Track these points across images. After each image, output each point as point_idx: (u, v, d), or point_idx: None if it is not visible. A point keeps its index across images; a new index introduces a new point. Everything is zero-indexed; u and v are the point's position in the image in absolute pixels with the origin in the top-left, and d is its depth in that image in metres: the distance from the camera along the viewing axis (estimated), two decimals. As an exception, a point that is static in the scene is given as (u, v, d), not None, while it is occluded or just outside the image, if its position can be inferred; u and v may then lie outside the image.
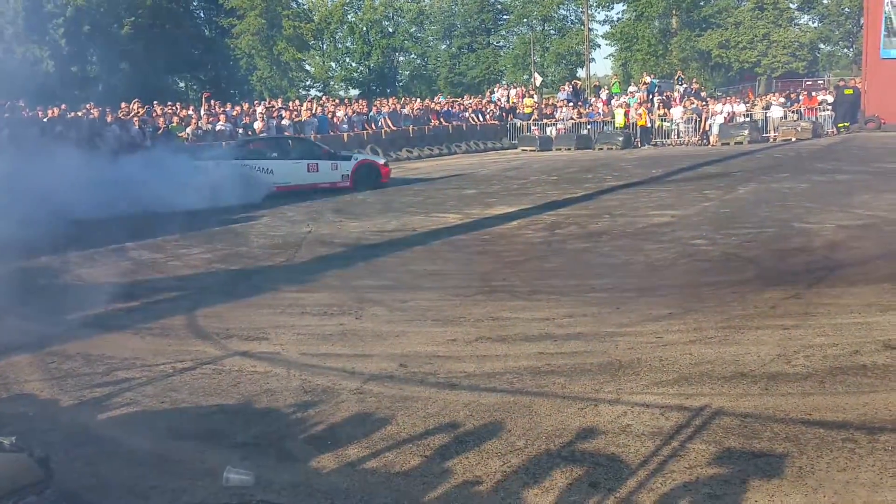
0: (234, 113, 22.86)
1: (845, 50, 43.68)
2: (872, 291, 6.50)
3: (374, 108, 27.57)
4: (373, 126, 26.09)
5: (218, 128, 20.81)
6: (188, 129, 20.00)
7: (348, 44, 54.24)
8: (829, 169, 15.74)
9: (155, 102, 22.88)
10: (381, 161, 18.81)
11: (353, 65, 54.92)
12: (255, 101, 27.49)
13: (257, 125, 21.72)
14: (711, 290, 6.93)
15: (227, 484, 3.59)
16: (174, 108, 23.43)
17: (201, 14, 48.23)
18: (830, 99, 26.89)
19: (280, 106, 25.71)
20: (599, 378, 4.87)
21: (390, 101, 30.11)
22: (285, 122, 22.94)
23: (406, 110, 27.83)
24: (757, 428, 3.98)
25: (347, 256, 9.60)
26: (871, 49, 26.15)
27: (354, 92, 52.62)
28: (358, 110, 26.76)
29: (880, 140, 21.86)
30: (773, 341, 5.35)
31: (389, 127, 26.29)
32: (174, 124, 20.07)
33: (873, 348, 5.08)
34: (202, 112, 22.07)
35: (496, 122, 30.14)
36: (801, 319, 5.81)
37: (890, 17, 25.31)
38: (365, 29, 53.39)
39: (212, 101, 23.62)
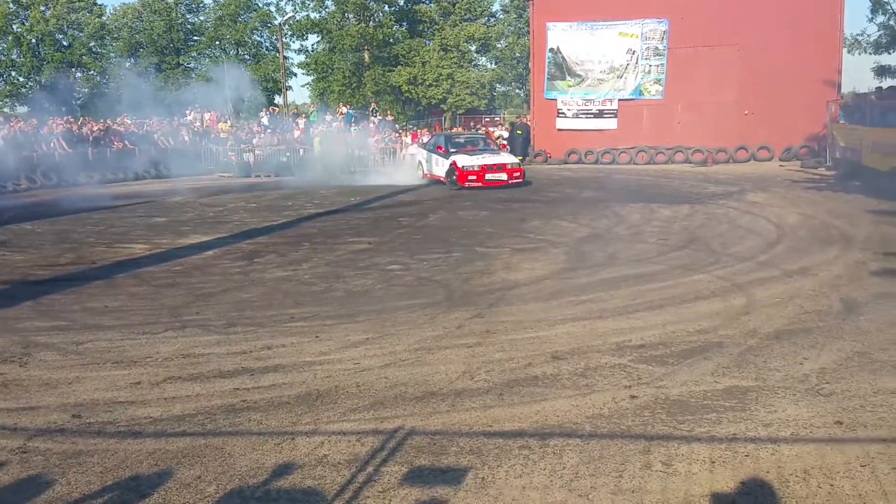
0: None
1: (518, 90, 48.55)
2: (542, 308, 7.25)
3: (45, 128, 24.91)
4: (44, 146, 23.59)
5: None
6: None
7: (14, 56, 48.77)
8: (505, 198, 17.31)
9: None
10: (507, 161, 19.56)
11: (21, 79, 49.52)
12: None
13: None
14: (406, 313, 7.24)
15: None
16: None
17: None
18: (505, 134, 29.70)
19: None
20: (297, 410, 4.83)
21: (66, 120, 27.45)
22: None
23: (85, 131, 25.57)
24: (444, 444, 4.21)
25: (10, 295, 8.49)
26: (537, 90, 29.35)
27: (22, 109, 47.31)
28: (25, 129, 24.01)
29: (546, 172, 24.57)
30: (460, 359, 5.73)
31: (64, 149, 23.95)
32: None
33: (543, 360, 5.65)
34: None
35: (188, 147, 28.84)
36: (483, 337, 6.29)
37: (551, 63, 28.63)
38: (34, 41, 48.41)
39: None
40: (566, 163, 27.32)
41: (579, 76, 28.31)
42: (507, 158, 19.62)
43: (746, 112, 25.84)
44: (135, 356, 6.10)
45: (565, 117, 28.45)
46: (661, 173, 23.24)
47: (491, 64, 48.52)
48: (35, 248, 11.78)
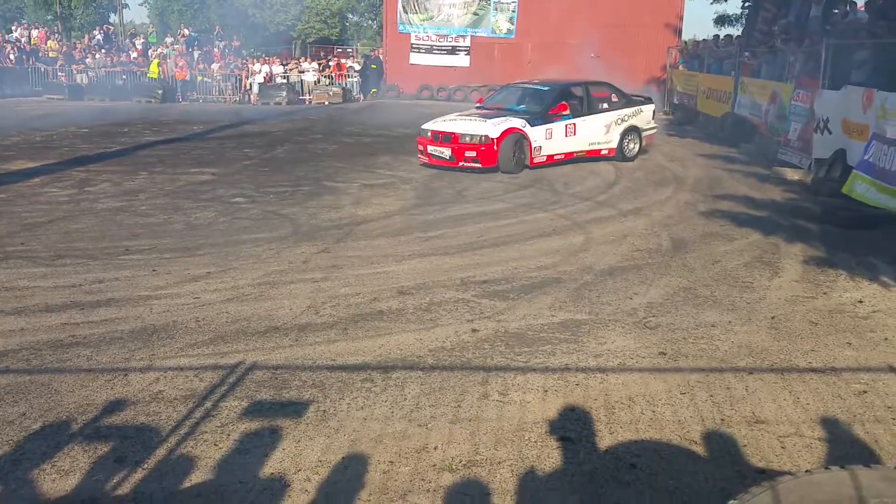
0: None
1: (371, 21, 47.53)
2: (390, 244, 7.27)
3: None
4: None
5: None
6: None
7: None
8: (355, 132, 17.11)
9: None
10: (465, 132, 11.61)
11: None
12: None
13: None
14: (250, 247, 7.06)
15: None
16: None
17: None
18: (357, 67, 29.14)
19: None
20: (131, 345, 4.64)
21: None
22: None
23: None
24: (287, 378, 4.19)
25: None
26: (390, 23, 28.86)
27: None
28: None
29: (399, 107, 24.43)
30: (305, 294, 5.67)
31: None
32: None
33: (389, 295, 5.70)
34: None
35: (15, 66, 26.35)
36: (330, 272, 6.26)
37: (406, -6, 28.18)
38: None
39: None
40: (419, 98, 27.24)
41: (433, 11, 28.08)
42: (470, 128, 11.66)
43: (592, 55, 26.67)
44: (-52, 289, 5.64)
45: (419, 52, 28.27)
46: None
47: (343, -8, 47.15)
48: None
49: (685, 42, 26.43)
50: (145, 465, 3.28)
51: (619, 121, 12.87)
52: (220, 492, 3.11)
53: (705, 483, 3.24)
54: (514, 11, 27.60)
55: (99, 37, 30.35)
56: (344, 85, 27.41)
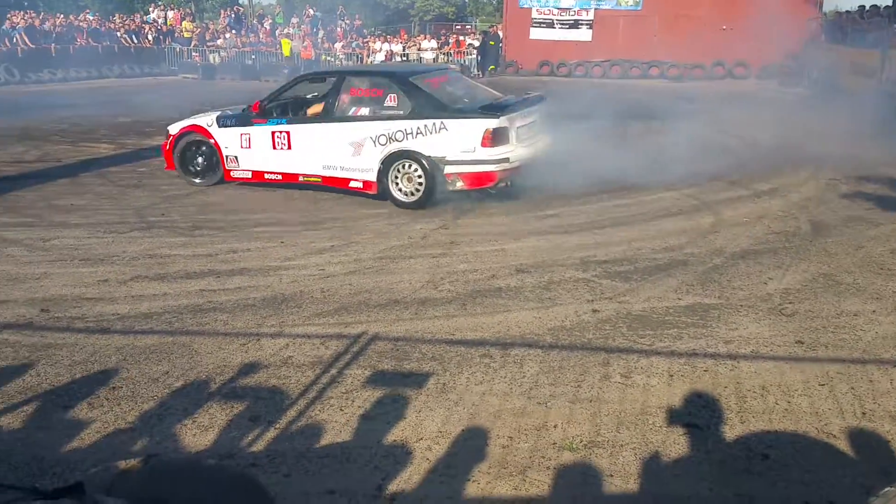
0: None
1: (490, -2, 47.34)
2: (507, 221, 7.25)
3: (6, 22, 23.86)
4: (6, 42, 22.67)
5: None
6: None
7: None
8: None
9: None
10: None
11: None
12: None
13: None
14: (371, 222, 7.22)
15: None
16: None
17: None
18: (476, 43, 29.07)
19: None
20: (262, 312, 4.85)
21: (27, 14, 26.25)
22: None
23: (47, 26, 24.54)
24: (407, 350, 4.27)
25: (-27, 191, 8.35)
26: (510, -1, 28.56)
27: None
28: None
29: (518, 83, 24.17)
30: (424, 269, 5.75)
31: (27, 44, 23.04)
32: None
33: (507, 272, 5.69)
34: None
35: (153, 46, 27.88)
36: (448, 248, 6.31)
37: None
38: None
39: None
40: (538, 74, 26.85)
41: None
42: (180, 122, 9.11)
43: (724, 27, 25.40)
44: (102, 254, 6.08)
45: (539, 27, 27.79)
46: (635, 88, 23.02)
47: (464, -30, 47.13)
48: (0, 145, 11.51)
49: (825, 14, 24.80)
50: (277, 425, 3.44)
51: (384, 139, 7.63)
52: (346, 455, 3.22)
53: (844, 478, 3.07)
54: (640, -18, 26.68)
55: (230, 17, 31.60)
56: (462, 62, 27.43)
